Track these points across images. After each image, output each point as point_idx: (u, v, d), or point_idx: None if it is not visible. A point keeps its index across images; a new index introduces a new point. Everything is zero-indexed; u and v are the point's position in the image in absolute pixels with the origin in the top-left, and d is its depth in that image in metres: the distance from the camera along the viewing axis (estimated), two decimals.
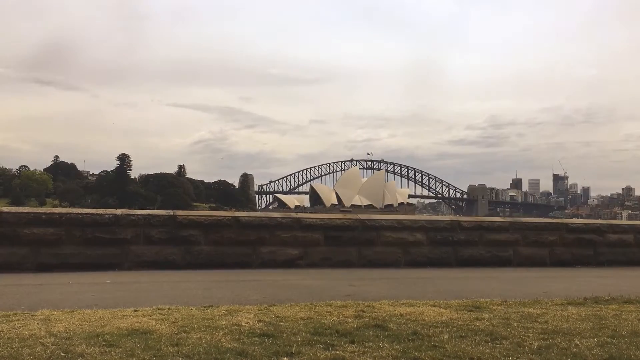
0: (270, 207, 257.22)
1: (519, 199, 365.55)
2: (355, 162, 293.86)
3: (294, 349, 5.51)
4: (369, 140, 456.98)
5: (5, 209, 14.09)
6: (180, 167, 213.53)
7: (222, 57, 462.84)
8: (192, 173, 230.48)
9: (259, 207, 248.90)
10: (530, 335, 6.40)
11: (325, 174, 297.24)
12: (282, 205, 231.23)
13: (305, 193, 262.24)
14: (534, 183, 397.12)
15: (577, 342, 6.06)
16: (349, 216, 16.86)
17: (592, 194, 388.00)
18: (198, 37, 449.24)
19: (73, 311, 7.34)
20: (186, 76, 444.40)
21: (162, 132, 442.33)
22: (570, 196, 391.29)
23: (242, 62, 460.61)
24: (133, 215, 14.09)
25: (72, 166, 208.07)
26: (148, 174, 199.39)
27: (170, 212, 14.82)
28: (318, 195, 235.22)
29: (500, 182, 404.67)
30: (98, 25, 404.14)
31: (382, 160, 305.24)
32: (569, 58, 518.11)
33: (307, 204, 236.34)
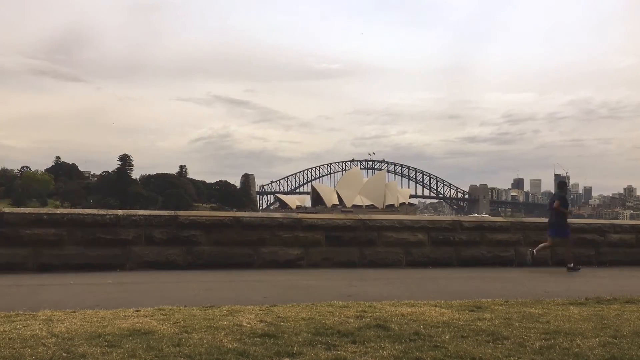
0: (272, 207, 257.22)
1: (521, 199, 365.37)
2: (356, 162, 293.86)
3: (295, 349, 5.51)
4: (377, 137, 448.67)
5: (7, 209, 14.10)
6: (182, 167, 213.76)
7: (228, 50, 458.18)
8: (193, 173, 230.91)
9: (261, 208, 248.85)
10: (532, 335, 6.40)
11: (327, 174, 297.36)
12: (284, 205, 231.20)
13: (307, 193, 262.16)
14: (536, 183, 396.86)
15: (579, 342, 6.05)
16: (350, 216, 16.86)
17: (594, 193, 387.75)
18: (203, 29, 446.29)
19: (74, 311, 7.35)
20: (192, 69, 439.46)
21: (163, 129, 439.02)
22: (572, 196, 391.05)
23: (250, 56, 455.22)
24: (134, 215, 14.10)
25: (74, 167, 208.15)
26: (149, 175, 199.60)
27: (172, 212, 14.82)
28: (319, 195, 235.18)
29: (507, 181, 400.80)
30: (103, 19, 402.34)
31: (384, 160, 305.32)
32: (605, 47, 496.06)
33: (308, 204, 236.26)
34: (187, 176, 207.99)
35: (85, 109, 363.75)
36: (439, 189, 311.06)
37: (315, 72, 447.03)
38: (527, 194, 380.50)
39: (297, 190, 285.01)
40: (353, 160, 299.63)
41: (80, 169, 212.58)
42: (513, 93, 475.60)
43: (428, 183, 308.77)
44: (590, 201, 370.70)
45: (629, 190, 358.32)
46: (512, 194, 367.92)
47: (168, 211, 15.11)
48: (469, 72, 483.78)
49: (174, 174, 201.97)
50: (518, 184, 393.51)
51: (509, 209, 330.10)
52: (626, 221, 31.98)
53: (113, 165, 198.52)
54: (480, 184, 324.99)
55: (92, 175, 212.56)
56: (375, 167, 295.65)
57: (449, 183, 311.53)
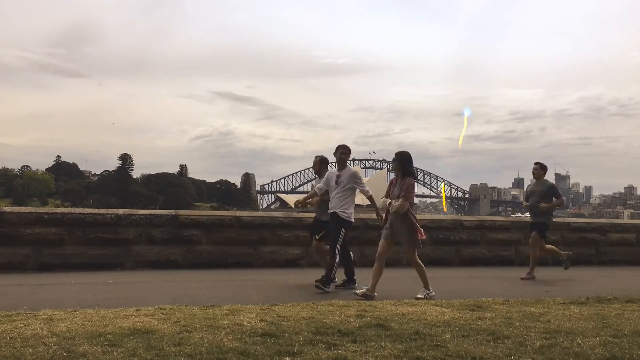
0: (272, 206, 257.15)
1: (521, 199, 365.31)
2: (356, 162, 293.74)
3: (296, 348, 5.52)
4: (380, 135, 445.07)
5: (8, 208, 14.11)
6: (182, 166, 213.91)
7: (231, 47, 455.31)
8: (193, 172, 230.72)
9: (261, 207, 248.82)
10: (533, 334, 6.41)
11: None
12: (284, 204, 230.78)
13: (307, 193, 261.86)
14: None
15: (580, 342, 6.06)
16: None
17: (594, 193, 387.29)
18: (206, 26, 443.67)
19: (75, 311, 7.35)
20: (194, 66, 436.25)
21: (164, 127, 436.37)
22: (572, 195, 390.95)
23: (253, 52, 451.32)
24: (135, 215, 14.10)
25: (74, 166, 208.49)
26: (150, 174, 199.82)
27: (172, 211, 14.83)
28: None
29: (510, 180, 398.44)
30: (106, 16, 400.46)
31: (384, 159, 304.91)
32: (620, 41, 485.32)
33: None
34: (188, 175, 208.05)
35: (85, 106, 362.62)
36: (439, 189, 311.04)
37: (319, 68, 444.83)
38: None
39: (298, 190, 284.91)
40: (353, 160, 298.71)
41: (81, 168, 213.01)
42: (522, 90, 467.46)
43: (428, 182, 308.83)
44: (591, 200, 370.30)
45: (630, 189, 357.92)
46: (512, 193, 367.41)
47: (168, 210, 15.12)
48: (477, 69, 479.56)
49: (174, 174, 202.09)
50: (518, 183, 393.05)
51: (510, 209, 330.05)
52: (627, 220, 31.96)
53: (113, 164, 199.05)
54: (481, 184, 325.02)
55: (92, 174, 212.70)
56: (376, 166, 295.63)
57: (449, 182, 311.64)
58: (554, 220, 14.74)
